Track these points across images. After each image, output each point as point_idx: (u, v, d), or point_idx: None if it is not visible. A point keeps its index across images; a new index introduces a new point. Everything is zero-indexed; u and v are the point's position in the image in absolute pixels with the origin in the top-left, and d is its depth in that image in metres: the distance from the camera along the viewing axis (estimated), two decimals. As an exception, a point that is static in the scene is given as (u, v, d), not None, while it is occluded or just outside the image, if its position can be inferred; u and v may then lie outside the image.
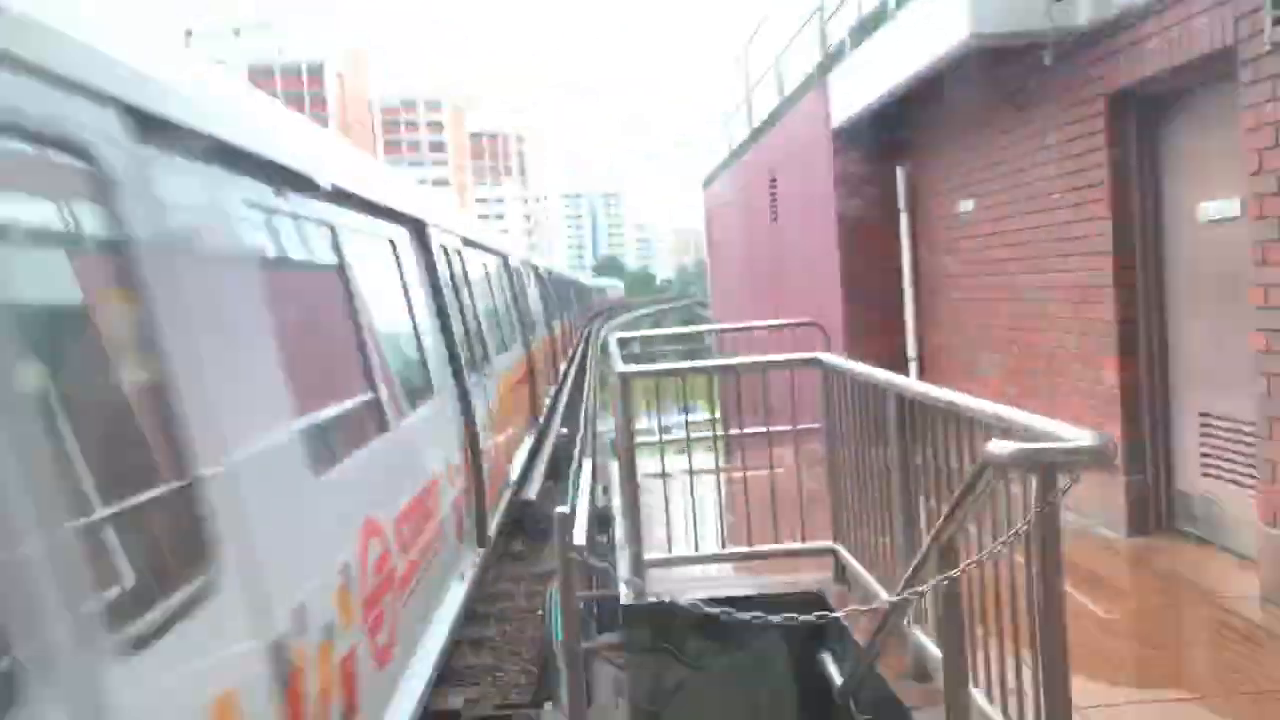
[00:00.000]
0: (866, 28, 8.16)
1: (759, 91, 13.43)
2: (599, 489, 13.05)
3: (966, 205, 7.58)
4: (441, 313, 6.38)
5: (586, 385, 27.37)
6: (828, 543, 4.85)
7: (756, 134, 13.18)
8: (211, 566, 2.37)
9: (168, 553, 2.33)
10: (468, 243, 8.73)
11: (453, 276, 7.26)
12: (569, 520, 3.46)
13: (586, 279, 68.91)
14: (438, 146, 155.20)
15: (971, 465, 3.08)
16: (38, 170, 2.09)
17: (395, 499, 4.28)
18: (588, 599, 5.84)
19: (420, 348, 5.59)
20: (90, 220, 2.23)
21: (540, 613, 8.69)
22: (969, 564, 2.49)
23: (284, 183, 3.61)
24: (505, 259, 12.42)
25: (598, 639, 5.24)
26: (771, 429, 5.76)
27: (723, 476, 6.18)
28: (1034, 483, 2.40)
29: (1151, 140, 5.55)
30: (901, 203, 8.74)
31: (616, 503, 7.15)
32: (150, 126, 2.47)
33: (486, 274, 10.08)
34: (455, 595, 5.47)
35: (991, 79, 6.64)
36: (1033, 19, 5.67)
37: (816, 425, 5.15)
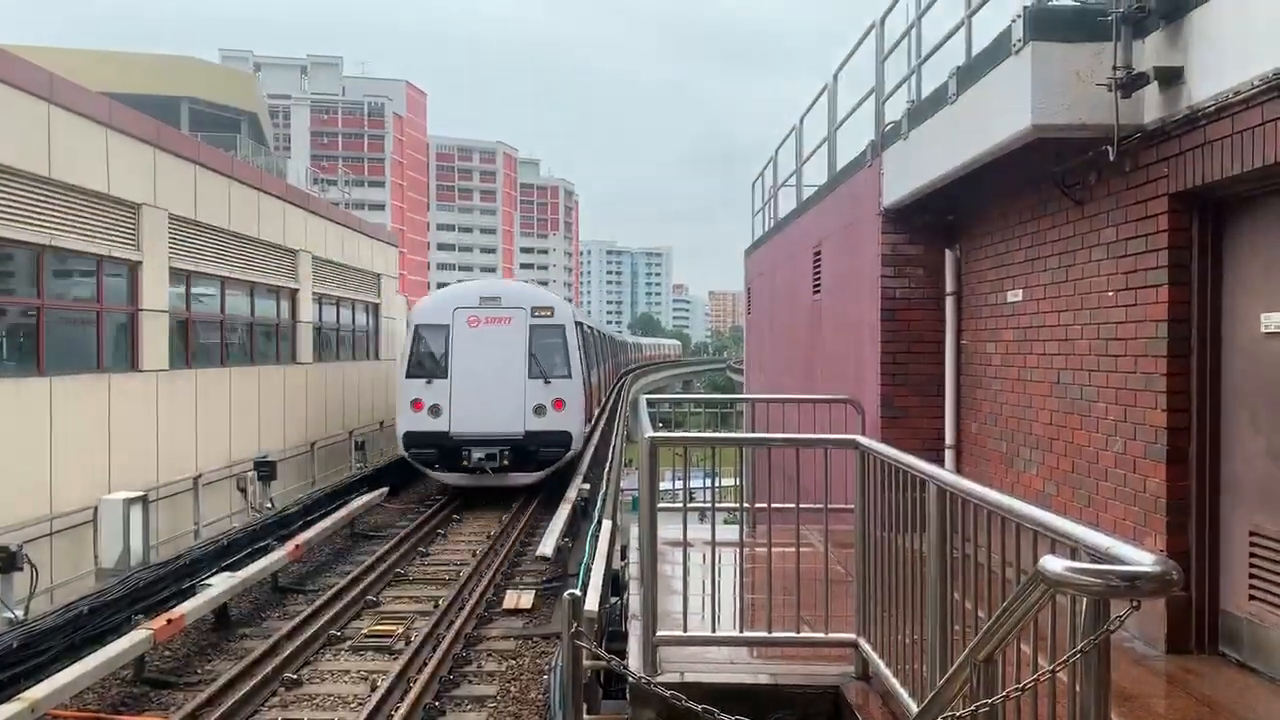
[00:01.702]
0: (924, 111, 8.11)
1: (809, 165, 13.43)
2: (616, 550, 12.81)
3: (1015, 295, 7.43)
4: (612, 347, 43.47)
5: (614, 435, 27.43)
6: (851, 635, 4.64)
7: (804, 207, 13.14)
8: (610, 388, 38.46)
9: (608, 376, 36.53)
10: (607, 334, 41.12)
11: (611, 343, 43.08)
12: (579, 604, 3.30)
13: (632, 337, 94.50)
14: (488, 194, 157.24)
15: (1011, 566, 2.91)
16: (608, 340, 39.88)
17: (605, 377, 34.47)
18: (595, 669, 5.63)
19: (614, 352, 44.30)
20: (612, 343, 44.04)
21: (545, 676, 8.46)
22: (1013, 691, 2.31)
23: (612, 338, 46.25)
24: (603, 332, 38.24)
25: (602, 713, 5.03)
26: (801, 506, 5.58)
27: (745, 550, 5.99)
28: (1085, 600, 2.23)
29: (1215, 244, 5.39)
30: (949, 286, 8.60)
31: (633, 568, 6.97)
32: (612, 338, 44.71)
33: (606, 339, 37.89)
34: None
35: (1050, 170, 6.53)
36: (1098, 113, 5.56)
37: (848, 507, 4.98)
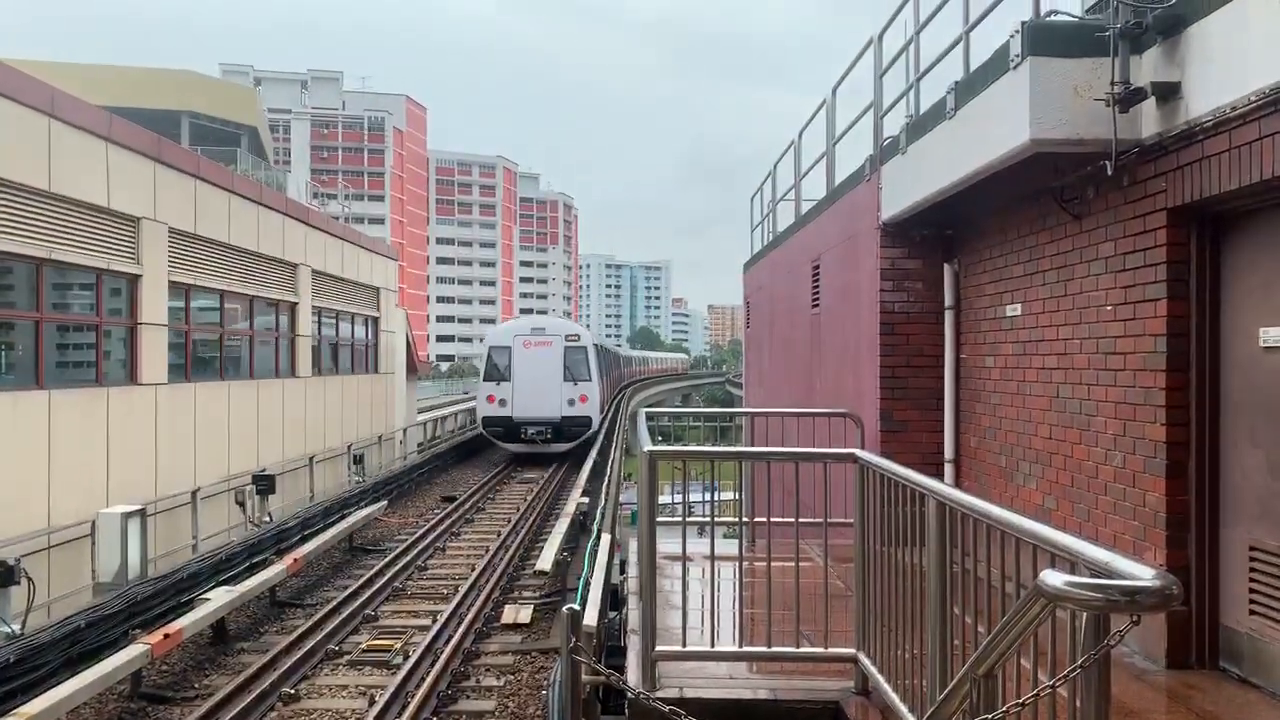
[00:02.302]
0: (922, 125, 8.13)
1: (808, 179, 13.46)
2: (615, 564, 12.76)
3: (1014, 309, 7.44)
4: (615, 361, 50.86)
5: (614, 447, 27.53)
6: (850, 650, 4.62)
7: (803, 221, 13.16)
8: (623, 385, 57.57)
9: (614, 382, 47.64)
10: (612, 351, 52.51)
11: (614, 357, 51.82)
12: (578, 618, 3.29)
13: (637, 352, 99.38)
14: (488, 209, 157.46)
15: (1011, 581, 2.90)
16: (612, 355, 50.06)
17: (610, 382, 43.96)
18: (594, 684, 5.61)
19: (616, 365, 51.05)
20: (615, 357, 53.54)
21: (544, 691, 8.43)
22: (1013, 706, 2.30)
23: (615, 353, 54.27)
24: (611, 350, 51.93)
25: (601, 728, 5.01)
26: (800, 521, 5.57)
27: (745, 565, 5.97)
28: (1085, 615, 2.22)
29: (1213, 258, 5.40)
30: (948, 300, 8.61)
31: (631, 583, 6.95)
32: (615, 353, 54.39)
33: (611, 354, 47.91)
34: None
35: (1048, 184, 6.54)
36: (1096, 128, 5.58)
37: (847, 521, 4.97)
